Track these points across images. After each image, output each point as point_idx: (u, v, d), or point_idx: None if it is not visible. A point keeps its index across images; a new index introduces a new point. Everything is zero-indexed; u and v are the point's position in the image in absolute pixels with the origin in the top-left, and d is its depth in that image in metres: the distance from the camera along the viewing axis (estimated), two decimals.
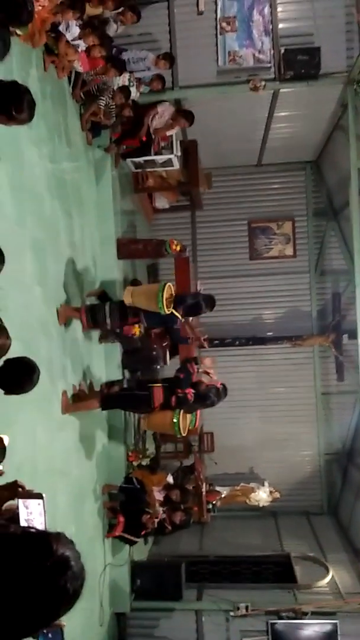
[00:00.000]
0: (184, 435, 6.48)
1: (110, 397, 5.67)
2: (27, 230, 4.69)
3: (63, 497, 5.09)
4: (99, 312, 5.54)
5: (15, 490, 2.52)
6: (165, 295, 5.32)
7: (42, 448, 4.63)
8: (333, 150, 8.89)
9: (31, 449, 4.41)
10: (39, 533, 1.32)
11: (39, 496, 2.36)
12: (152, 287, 5.57)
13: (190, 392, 5.74)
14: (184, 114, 7.11)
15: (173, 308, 5.48)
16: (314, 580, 7.44)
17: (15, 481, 2.56)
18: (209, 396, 5.87)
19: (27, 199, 4.72)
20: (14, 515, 2.42)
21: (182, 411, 5.90)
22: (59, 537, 1.25)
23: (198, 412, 6.25)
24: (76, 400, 5.47)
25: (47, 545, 1.22)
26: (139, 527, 6.19)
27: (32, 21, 4.66)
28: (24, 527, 2.05)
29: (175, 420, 5.86)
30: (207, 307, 5.87)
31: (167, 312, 5.38)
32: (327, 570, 7.63)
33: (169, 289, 5.45)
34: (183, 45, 7.15)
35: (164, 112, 7.02)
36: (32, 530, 1.38)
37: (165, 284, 5.43)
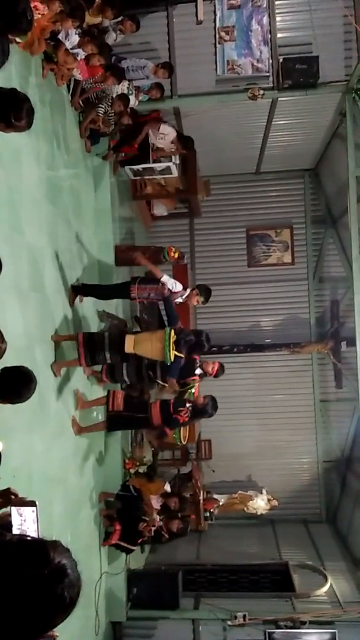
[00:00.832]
0: (184, 443, 6.70)
1: (114, 421, 5.83)
2: (24, 236, 4.70)
3: (59, 505, 5.07)
4: (99, 356, 5.46)
5: (8, 497, 2.51)
6: (171, 344, 5.31)
7: (38, 455, 4.61)
8: (331, 158, 8.93)
9: (27, 456, 4.40)
10: (36, 541, 1.33)
11: (32, 504, 2.34)
12: (158, 337, 5.41)
13: (185, 411, 5.74)
14: (184, 142, 7.25)
15: (175, 349, 5.39)
16: (312, 589, 7.38)
17: (8, 488, 2.54)
18: (206, 410, 5.90)
19: (25, 206, 4.74)
20: (7, 523, 2.40)
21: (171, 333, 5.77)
22: (55, 545, 1.26)
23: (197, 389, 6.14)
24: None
25: (44, 554, 1.22)
26: (135, 535, 6.16)
27: (32, 29, 4.71)
28: (20, 535, 2.04)
29: (175, 435, 6.18)
30: (208, 343, 5.82)
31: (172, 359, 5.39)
32: (326, 579, 7.58)
33: (173, 334, 5.39)
34: (182, 54, 7.19)
35: (167, 135, 7.12)
36: (29, 538, 1.39)
37: (170, 331, 5.36)
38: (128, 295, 6.11)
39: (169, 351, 5.25)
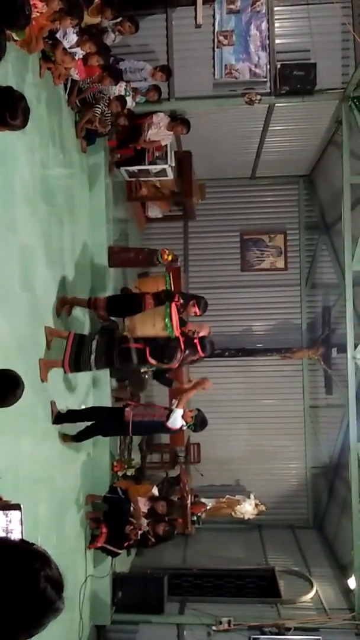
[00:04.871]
0: (177, 334, 5.37)
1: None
2: (17, 235, 4.66)
3: (45, 507, 5.01)
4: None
5: None
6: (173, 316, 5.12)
7: (25, 456, 4.56)
8: (326, 165, 8.97)
9: (14, 457, 4.35)
10: (21, 539, 1.32)
11: (16, 507, 2.33)
12: (157, 311, 5.27)
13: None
14: (181, 121, 7.16)
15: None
16: (298, 595, 7.38)
17: None
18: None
19: (18, 205, 4.70)
20: None
21: (172, 306, 5.34)
22: (40, 548, 1.24)
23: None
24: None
25: (27, 543, 1.22)
26: (121, 538, 6.11)
27: (30, 27, 4.68)
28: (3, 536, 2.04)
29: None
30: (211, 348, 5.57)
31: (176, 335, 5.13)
32: (312, 585, 7.58)
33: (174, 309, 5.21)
34: (180, 57, 7.18)
35: (160, 122, 7.06)
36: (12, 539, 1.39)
37: (170, 305, 5.20)
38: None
39: (171, 325, 5.11)
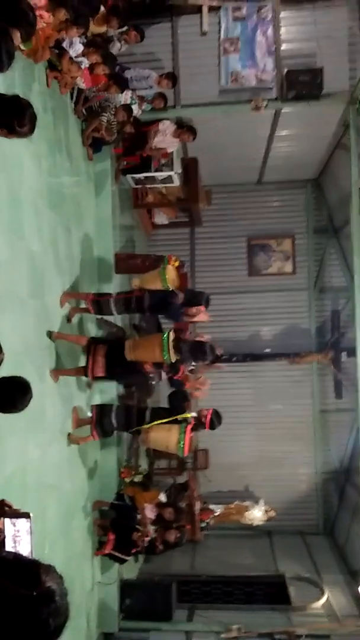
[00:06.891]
0: (185, 455, 5.97)
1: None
2: (24, 242, 4.70)
3: (52, 513, 5.02)
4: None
5: (2, 509, 2.49)
6: (170, 343, 5.28)
7: (32, 462, 4.58)
8: (334, 169, 8.95)
9: (22, 462, 4.37)
10: (31, 562, 1.32)
11: (26, 515, 2.33)
12: (155, 338, 5.55)
13: (183, 370, 5.76)
14: (187, 129, 7.18)
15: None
16: (309, 601, 7.32)
17: (2, 500, 2.52)
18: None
19: (25, 212, 4.73)
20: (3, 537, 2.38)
21: (187, 428, 5.50)
22: (49, 569, 1.26)
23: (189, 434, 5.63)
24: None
25: (35, 575, 1.22)
26: (129, 545, 6.10)
27: (37, 36, 4.72)
28: (16, 553, 2.04)
29: (181, 441, 5.47)
30: (212, 354, 5.76)
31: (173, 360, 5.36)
32: (322, 592, 7.51)
33: (173, 333, 5.40)
34: (186, 65, 7.22)
35: (166, 129, 7.09)
36: (24, 557, 1.39)
37: (169, 332, 5.38)
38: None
39: (168, 351, 5.26)
